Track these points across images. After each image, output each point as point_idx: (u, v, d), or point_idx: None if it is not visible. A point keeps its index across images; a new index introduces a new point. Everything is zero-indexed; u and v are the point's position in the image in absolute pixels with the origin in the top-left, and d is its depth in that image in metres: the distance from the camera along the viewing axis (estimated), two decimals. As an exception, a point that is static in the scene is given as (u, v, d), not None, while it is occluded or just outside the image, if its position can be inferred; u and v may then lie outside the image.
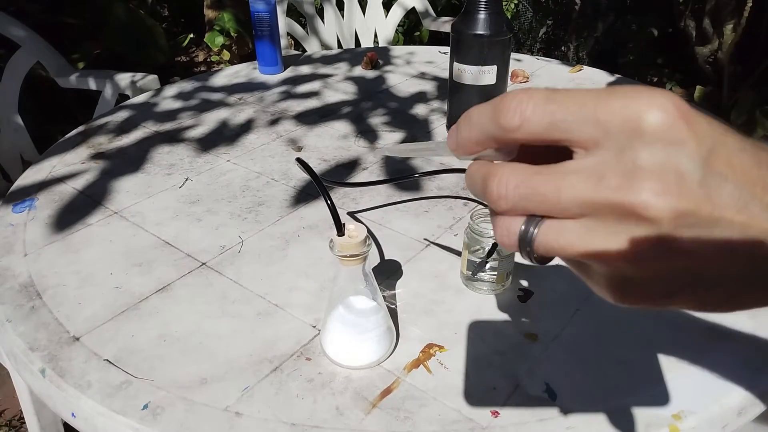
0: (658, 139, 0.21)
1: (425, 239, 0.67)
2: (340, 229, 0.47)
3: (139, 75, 1.32)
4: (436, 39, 2.60)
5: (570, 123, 0.23)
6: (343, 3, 1.78)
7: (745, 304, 0.25)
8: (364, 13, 1.81)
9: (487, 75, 0.84)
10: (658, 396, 0.47)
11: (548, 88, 0.24)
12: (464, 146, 0.26)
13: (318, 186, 0.55)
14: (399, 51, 1.31)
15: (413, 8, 1.80)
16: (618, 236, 0.22)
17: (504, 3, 2.55)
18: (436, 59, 1.26)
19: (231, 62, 2.96)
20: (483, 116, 0.25)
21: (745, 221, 0.22)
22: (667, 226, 0.22)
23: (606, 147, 0.22)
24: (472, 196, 0.75)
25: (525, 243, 0.24)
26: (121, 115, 1.01)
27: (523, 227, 0.24)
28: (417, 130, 0.94)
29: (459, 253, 0.62)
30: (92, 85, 1.33)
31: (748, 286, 0.24)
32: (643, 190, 0.21)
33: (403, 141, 0.90)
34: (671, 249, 0.22)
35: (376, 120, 0.98)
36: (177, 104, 1.05)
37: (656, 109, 0.22)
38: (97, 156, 0.87)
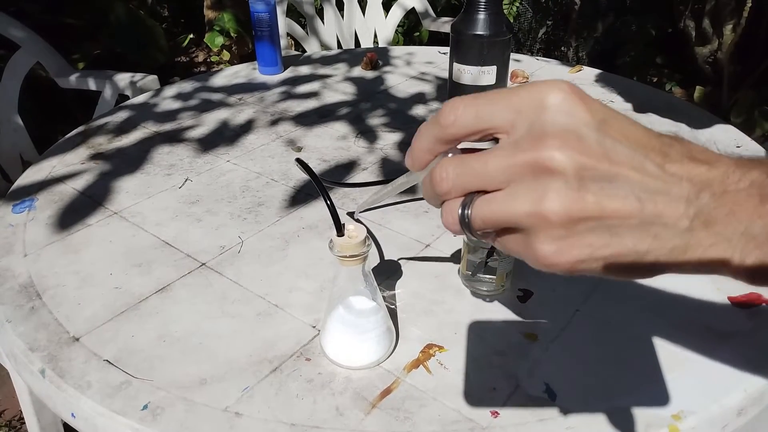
0: (559, 111, 0.26)
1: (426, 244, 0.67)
2: (340, 229, 0.47)
3: (138, 75, 1.32)
4: (436, 39, 2.60)
5: (491, 113, 0.28)
6: (343, 3, 1.78)
7: (662, 266, 0.27)
8: (363, 14, 1.81)
9: (487, 75, 0.84)
10: (658, 396, 0.47)
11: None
12: (418, 157, 0.31)
13: (318, 186, 0.55)
14: (399, 51, 1.31)
15: (413, 8, 1.80)
16: (535, 192, 0.26)
17: (504, 3, 2.55)
18: (435, 59, 1.26)
19: (231, 62, 2.96)
20: (428, 125, 0.30)
21: (641, 178, 0.26)
22: (573, 176, 0.26)
23: (520, 125, 0.27)
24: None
25: (464, 220, 0.29)
26: (121, 116, 1.01)
27: (460, 209, 0.29)
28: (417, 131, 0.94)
29: (457, 260, 0.62)
30: (92, 85, 1.33)
31: (657, 240, 0.27)
32: (549, 147, 0.26)
33: (402, 141, 0.90)
34: (582, 199, 0.26)
35: (376, 120, 0.98)
36: (177, 104, 1.05)
37: (556, 89, 0.27)
38: (96, 156, 0.87)
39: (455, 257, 0.63)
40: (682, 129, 0.92)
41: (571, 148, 0.26)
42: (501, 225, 0.28)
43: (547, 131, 0.26)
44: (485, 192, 0.28)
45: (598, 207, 0.26)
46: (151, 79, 1.32)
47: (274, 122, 0.97)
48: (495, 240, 0.30)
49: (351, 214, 0.71)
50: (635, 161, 0.26)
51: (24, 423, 1.11)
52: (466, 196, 0.29)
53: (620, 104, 1.01)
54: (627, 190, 0.26)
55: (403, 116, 1.00)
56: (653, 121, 0.94)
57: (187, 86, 1.13)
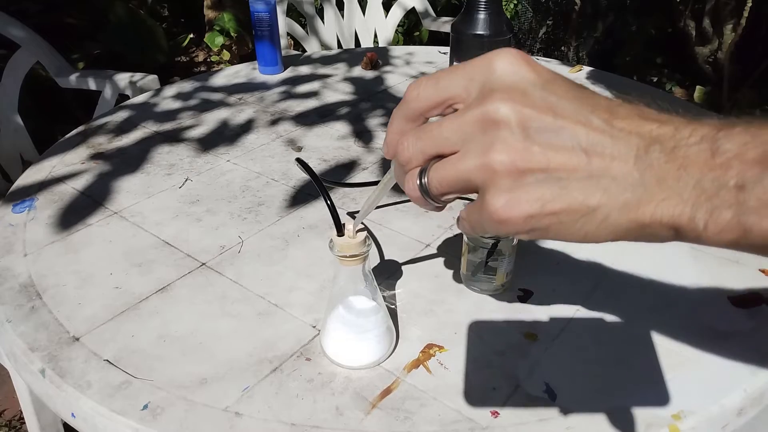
0: (505, 71, 0.28)
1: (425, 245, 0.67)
2: (340, 229, 0.47)
3: (138, 75, 1.32)
4: (436, 39, 2.60)
5: (449, 83, 0.30)
6: (343, 3, 1.78)
7: (611, 227, 0.27)
8: (364, 14, 1.81)
9: (487, 75, 0.84)
10: (658, 396, 0.47)
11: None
12: (391, 143, 0.32)
13: (318, 186, 0.55)
14: (399, 51, 1.31)
15: (413, 8, 1.80)
16: (483, 145, 0.28)
17: (504, 3, 2.55)
18: (435, 59, 1.26)
19: (231, 62, 2.96)
20: (397, 108, 0.32)
21: (588, 132, 0.27)
22: (517, 127, 0.27)
23: (472, 90, 0.29)
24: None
25: (422, 187, 0.30)
26: (121, 115, 1.01)
27: (418, 178, 0.31)
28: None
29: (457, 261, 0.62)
30: (92, 85, 1.33)
31: (607, 194, 0.27)
32: (494, 100, 0.27)
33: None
34: (528, 150, 0.27)
35: (376, 120, 0.98)
36: (177, 104, 1.05)
37: (504, 54, 0.29)
38: (97, 156, 0.87)
39: (455, 257, 0.63)
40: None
41: (515, 101, 0.27)
42: (455, 185, 0.29)
43: (495, 88, 0.28)
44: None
45: (544, 158, 0.27)
46: (151, 79, 1.31)
47: (274, 122, 0.97)
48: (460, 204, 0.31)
49: (352, 215, 0.71)
50: (581, 116, 0.27)
51: (24, 423, 1.11)
52: (423, 167, 0.31)
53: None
54: (574, 143, 0.27)
55: (403, 116, 0.99)
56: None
57: (187, 86, 1.13)
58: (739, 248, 0.26)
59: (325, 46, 1.76)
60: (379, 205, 0.60)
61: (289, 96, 1.08)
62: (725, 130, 0.26)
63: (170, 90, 1.11)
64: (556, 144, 0.27)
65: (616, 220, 0.27)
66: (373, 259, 0.63)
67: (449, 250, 0.65)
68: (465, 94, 0.29)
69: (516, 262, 0.58)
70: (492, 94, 0.28)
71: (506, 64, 0.28)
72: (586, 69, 1.18)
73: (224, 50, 2.96)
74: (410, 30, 2.77)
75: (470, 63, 0.30)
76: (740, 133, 0.26)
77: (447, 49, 0.92)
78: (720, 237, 0.26)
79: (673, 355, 0.51)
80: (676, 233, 0.27)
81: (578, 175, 0.27)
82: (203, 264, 0.63)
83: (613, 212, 0.27)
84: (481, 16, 0.81)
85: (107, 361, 0.51)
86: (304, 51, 1.64)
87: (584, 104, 0.28)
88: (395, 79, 1.15)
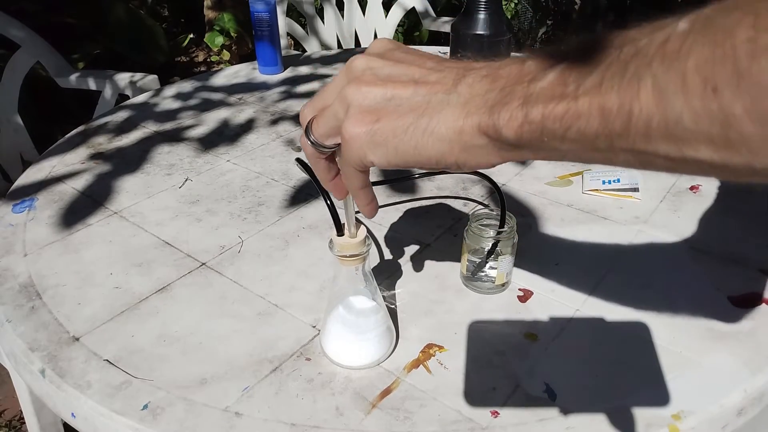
0: (371, 46, 0.38)
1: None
2: (340, 229, 0.47)
3: (138, 75, 1.32)
4: (436, 39, 2.60)
5: (323, 97, 0.38)
6: (343, 3, 1.78)
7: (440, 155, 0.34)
8: (364, 14, 1.81)
9: (487, 75, 0.84)
10: (658, 396, 0.47)
11: None
12: (321, 176, 0.42)
13: (317, 186, 0.55)
14: (399, 51, 1.31)
15: (413, 8, 1.80)
16: (340, 86, 0.36)
17: (504, 3, 2.55)
18: (436, 59, 1.26)
19: (231, 62, 2.96)
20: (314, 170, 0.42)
21: (420, 69, 0.35)
22: (368, 70, 0.36)
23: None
24: (473, 197, 0.75)
25: (308, 134, 0.38)
26: (121, 115, 1.01)
27: (305, 132, 0.39)
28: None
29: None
30: (92, 85, 1.33)
31: (429, 107, 0.33)
32: (353, 59, 0.36)
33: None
34: (372, 82, 0.35)
35: (376, 120, 0.98)
36: (177, 104, 1.05)
37: (373, 42, 0.38)
38: (96, 156, 0.87)
39: (455, 257, 0.63)
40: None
41: (369, 57, 0.36)
42: (328, 123, 0.37)
43: (356, 55, 0.37)
44: None
45: (383, 89, 0.34)
46: (151, 79, 1.32)
47: (274, 122, 0.97)
48: (339, 149, 0.38)
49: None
50: (418, 61, 0.35)
51: (24, 423, 1.11)
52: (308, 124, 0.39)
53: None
54: (408, 77, 0.34)
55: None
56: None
57: (187, 86, 1.13)
58: (531, 146, 0.30)
59: (325, 46, 1.76)
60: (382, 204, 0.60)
61: (289, 96, 1.08)
62: (531, 57, 0.31)
63: (170, 90, 1.11)
64: (394, 78, 0.35)
65: (438, 130, 0.33)
66: (373, 259, 0.63)
67: (449, 250, 0.65)
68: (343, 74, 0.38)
69: (516, 262, 0.58)
70: (354, 58, 0.36)
71: (374, 43, 0.38)
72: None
73: (224, 50, 2.96)
74: (410, 30, 2.77)
75: (337, 75, 0.38)
76: (540, 57, 0.31)
77: (447, 49, 0.92)
78: (509, 125, 0.30)
79: (673, 355, 0.51)
80: (488, 138, 0.31)
81: (409, 98, 0.34)
82: (203, 264, 0.63)
83: (433, 122, 0.33)
84: (481, 16, 0.81)
85: (107, 361, 0.51)
86: (304, 51, 1.64)
87: (423, 56, 0.36)
88: (395, 79, 1.15)
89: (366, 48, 0.39)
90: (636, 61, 0.25)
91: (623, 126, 0.25)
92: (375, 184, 0.76)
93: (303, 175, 0.80)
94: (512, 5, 2.60)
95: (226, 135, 0.93)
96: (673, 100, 0.23)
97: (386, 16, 1.81)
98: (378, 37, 1.82)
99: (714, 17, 0.22)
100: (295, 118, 0.98)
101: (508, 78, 0.31)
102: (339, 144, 0.37)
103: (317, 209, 0.73)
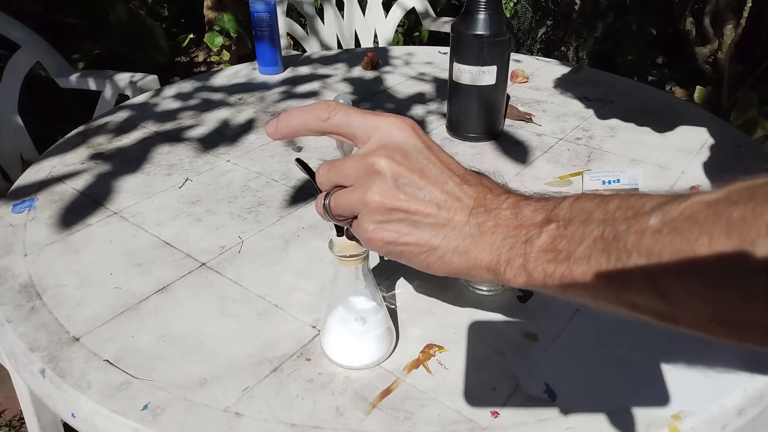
0: (399, 136, 0.37)
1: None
2: (340, 229, 0.47)
3: (138, 75, 1.31)
4: (436, 39, 2.60)
5: (359, 124, 0.38)
6: (343, 3, 1.78)
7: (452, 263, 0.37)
8: (363, 14, 1.81)
9: (487, 75, 0.84)
10: (658, 396, 0.47)
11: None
12: (281, 131, 0.41)
13: (316, 188, 0.55)
14: (398, 51, 1.31)
15: (413, 8, 1.80)
16: (365, 185, 0.37)
17: (504, 3, 2.55)
18: (435, 60, 1.26)
19: (231, 62, 2.96)
20: (303, 111, 0.40)
21: (442, 192, 0.36)
22: (391, 179, 0.36)
23: (373, 139, 0.38)
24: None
25: (326, 208, 0.40)
26: (121, 116, 1.01)
27: (324, 198, 0.40)
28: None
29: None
30: (92, 85, 1.33)
31: (446, 239, 0.36)
32: (378, 155, 0.37)
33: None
34: (396, 196, 0.36)
35: (376, 120, 0.98)
36: (177, 104, 1.05)
37: (403, 122, 0.38)
38: (96, 156, 0.87)
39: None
40: (679, 131, 0.92)
41: (393, 159, 0.37)
42: (346, 210, 0.39)
43: (385, 145, 0.37)
44: (345, 187, 0.39)
45: (406, 203, 0.36)
46: (151, 79, 1.31)
47: (274, 122, 0.97)
48: (350, 225, 0.40)
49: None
50: (441, 179, 0.37)
51: (24, 423, 1.11)
52: (327, 193, 0.40)
53: (620, 104, 1.01)
54: (430, 198, 0.36)
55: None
56: (653, 122, 0.94)
57: (187, 86, 1.13)
58: (536, 289, 0.34)
59: (325, 46, 1.76)
60: None
61: (289, 96, 1.08)
62: (525, 201, 0.35)
63: (170, 90, 1.11)
64: (418, 196, 0.36)
65: (450, 259, 0.36)
66: (373, 259, 0.63)
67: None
68: (366, 138, 0.38)
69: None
70: (380, 149, 0.37)
71: (403, 128, 0.38)
72: (586, 69, 1.18)
73: (224, 50, 2.96)
74: (410, 30, 2.77)
75: (379, 116, 0.38)
76: (533, 202, 0.35)
77: (447, 49, 0.92)
78: (515, 279, 0.34)
79: (673, 355, 0.51)
80: (493, 274, 0.35)
81: (429, 220, 0.36)
82: (203, 264, 0.63)
83: (448, 253, 0.36)
84: (481, 16, 0.81)
85: (107, 361, 0.51)
86: (304, 51, 1.64)
87: (447, 171, 0.37)
88: (395, 80, 1.15)
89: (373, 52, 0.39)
90: (616, 244, 0.30)
91: (622, 285, 0.30)
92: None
93: (303, 176, 0.79)
94: (512, 5, 2.60)
95: (226, 135, 0.93)
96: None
97: (386, 17, 1.81)
98: (378, 37, 1.82)
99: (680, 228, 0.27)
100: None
101: (507, 225, 0.35)
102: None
103: (317, 209, 0.73)
